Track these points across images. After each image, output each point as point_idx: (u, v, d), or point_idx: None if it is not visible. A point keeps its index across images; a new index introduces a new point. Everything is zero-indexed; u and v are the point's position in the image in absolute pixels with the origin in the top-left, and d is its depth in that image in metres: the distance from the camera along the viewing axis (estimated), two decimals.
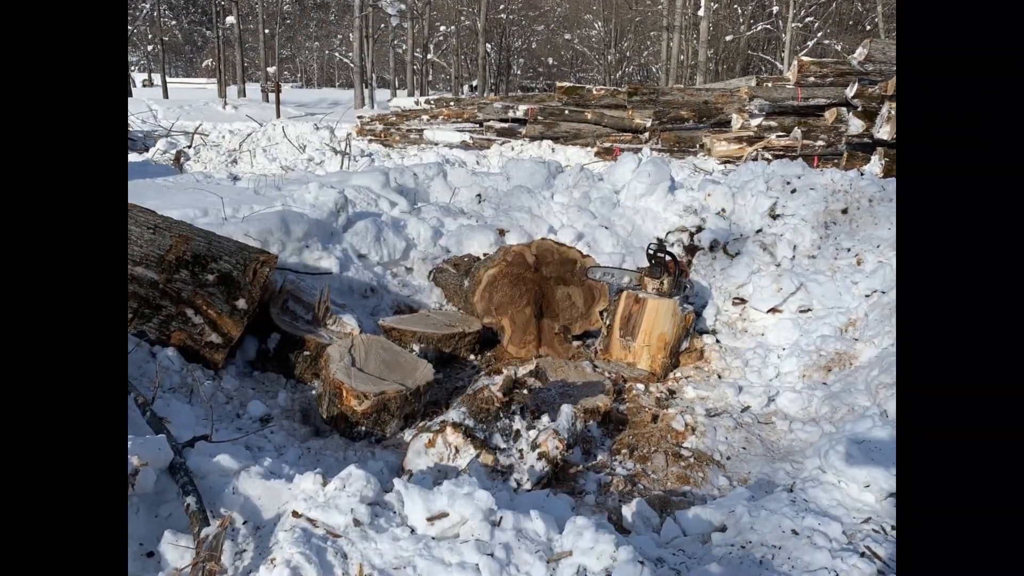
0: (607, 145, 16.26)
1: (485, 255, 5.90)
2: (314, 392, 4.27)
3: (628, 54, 53.46)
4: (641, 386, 4.72)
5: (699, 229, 6.38)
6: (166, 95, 36.43)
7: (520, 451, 3.45)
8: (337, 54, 61.65)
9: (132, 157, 13.77)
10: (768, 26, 40.20)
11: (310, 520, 2.36)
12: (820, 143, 13.69)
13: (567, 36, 56.86)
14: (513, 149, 16.55)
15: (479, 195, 7.80)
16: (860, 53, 13.82)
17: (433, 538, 2.38)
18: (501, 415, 3.54)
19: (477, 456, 3.32)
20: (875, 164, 12.04)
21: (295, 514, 2.38)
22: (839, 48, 36.00)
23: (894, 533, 2.67)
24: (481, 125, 19.03)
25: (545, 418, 3.66)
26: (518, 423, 3.56)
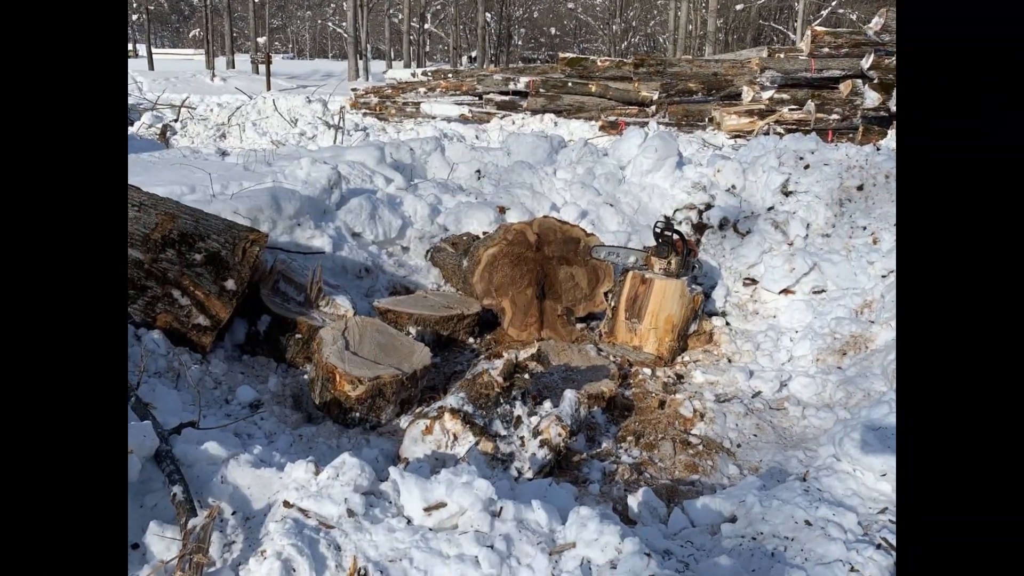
0: (612, 119, 16.18)
1: (485, 234, 5.87)
2: (306, 377, 4.25)
3: (634, 24, 53.09)
4: (648, 370, 4.71)
5: (708, 207, 6.34)
6: (151, 66, 36.25)
7: (521, 438, 3.44)
8: (330, 24, 61.27)
9: None
10: None
11: (302, 510, 2.35)
12: (835, 117, 13.61)
13: (570, 5, 56.46)
14: (514, 123, 16.48)
15: (478, 171, 7.75)
16: (876, 23, 13.72)
17: (430, 529, 2.37)
18: (501, 401, 3.52)
19: (476, 443, 3.30)
20: (892, 138, 11.97)
21: (286, 504, 2.37)
22: (854, 17, 35.74)
23: None
24: (480, 98, 18.93)
25: (547, 404, 3.64)
26: (519, 409, 3.54)
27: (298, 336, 4.41)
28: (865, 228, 5.57)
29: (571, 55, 19.22)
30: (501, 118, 17.07)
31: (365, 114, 18.70)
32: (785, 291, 5.33)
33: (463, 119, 17.80)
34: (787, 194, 6.15)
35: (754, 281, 5.52)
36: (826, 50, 13.96)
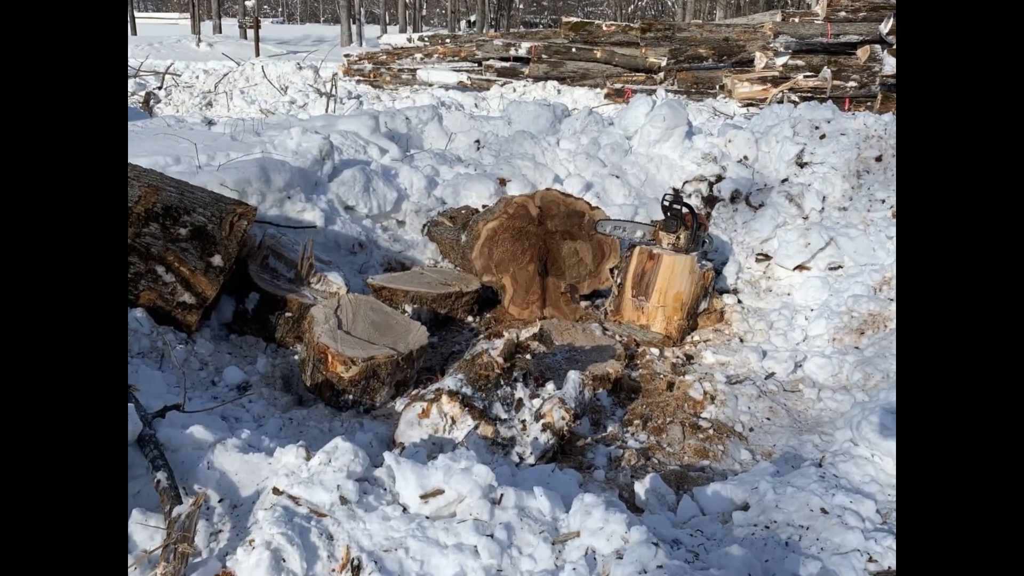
0: (618, 86, 16.08)
1: (484, 207, 5.84)
2: (297, 357, 4.24)
3: None
4: (655, 351, 4.69)
5: (719, 178, 6.30)
6: (134, 31, 36.01)
7: (523, 422, 3.43)
8: None
9: None
10: None
11: (292, 497, 2.33)
12: (852, 84, 13.53)
13: None
14: (515, 91, 16.39)
15: (478, 141, 7.71)
16: None
17: (427, 517, 2.36)
18: (502, 383, 3.51)
19: (476, 427, 3.29)
20: None
21: (276, 491, 2.36)
22: None
23: None
24: (480, 64, 18.81)
25: (550, 386, 3.63)
26: (520, 391, 3.52)
27: (288, 314, 4.40)
28: (884, 201, 5.53)
29: (575, 19, 19.09)
30: (501, 85, 16.96)
31: (359, 81, 18.57)
32: (800, 267, 5.30)
33: (462, 86, 17.69)
34: (802, 165, 6.11)
35: (767, 257, 5.49)
36: (843, 14, 13.85)
